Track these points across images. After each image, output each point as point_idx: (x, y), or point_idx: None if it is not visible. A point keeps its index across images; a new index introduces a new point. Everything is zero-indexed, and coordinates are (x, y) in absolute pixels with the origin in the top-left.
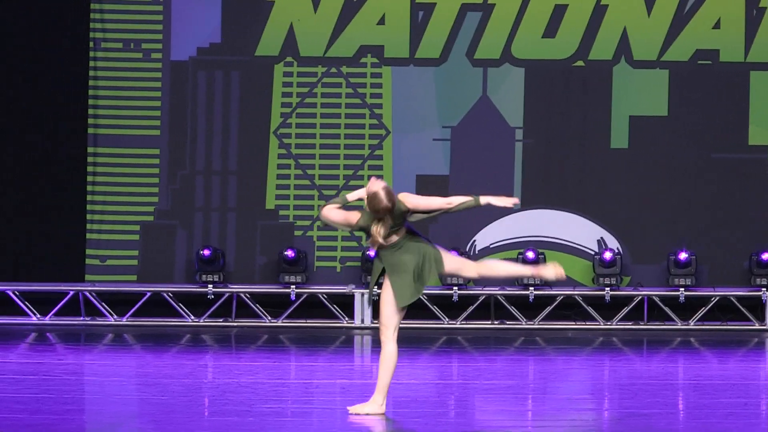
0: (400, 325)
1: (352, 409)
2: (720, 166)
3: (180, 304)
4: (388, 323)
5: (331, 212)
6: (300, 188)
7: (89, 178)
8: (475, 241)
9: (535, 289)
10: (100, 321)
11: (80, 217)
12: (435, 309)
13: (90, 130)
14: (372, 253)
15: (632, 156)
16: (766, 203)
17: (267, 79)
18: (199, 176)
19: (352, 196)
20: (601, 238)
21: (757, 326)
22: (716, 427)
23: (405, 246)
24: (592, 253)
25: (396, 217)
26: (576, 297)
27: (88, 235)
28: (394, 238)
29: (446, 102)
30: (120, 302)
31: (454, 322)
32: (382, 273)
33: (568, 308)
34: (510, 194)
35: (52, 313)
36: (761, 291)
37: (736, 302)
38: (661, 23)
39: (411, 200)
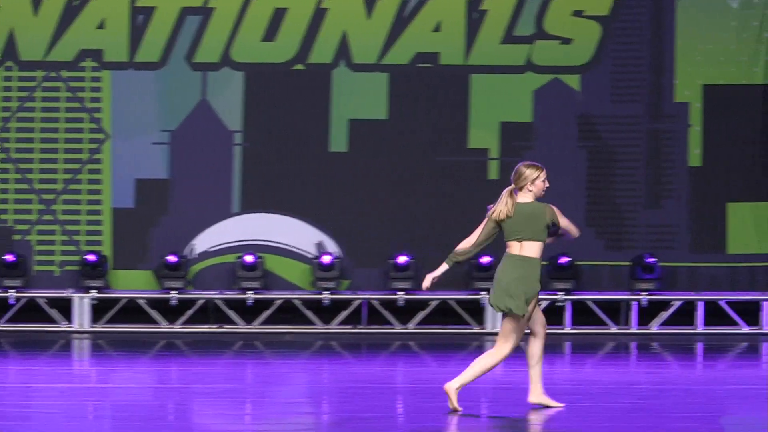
0: (117, 329)
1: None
2: (440, 169)
3: None
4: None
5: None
6: (19, 192)
7: None
8: (194, 245)
9: (254, 293)
10: None
11: None
12: (154, 313)
13: None
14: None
15: (352, 159)
16: (486, 207)
17: None
18: None
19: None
20: (320, 241)
21: (476, 330)
22: (436, 429)
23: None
24: (311, 256)
25: (536, 220)
26: (295, 301)
27: None
28: (531, 244)
29: (166, 106)
30: None
31: (173, 326)
32: None
33: (288, 312)
34: (230, 197)
35: None
36: (481, 294)
37: (455, 306)
38: (381, 26)
39: (561, 218)
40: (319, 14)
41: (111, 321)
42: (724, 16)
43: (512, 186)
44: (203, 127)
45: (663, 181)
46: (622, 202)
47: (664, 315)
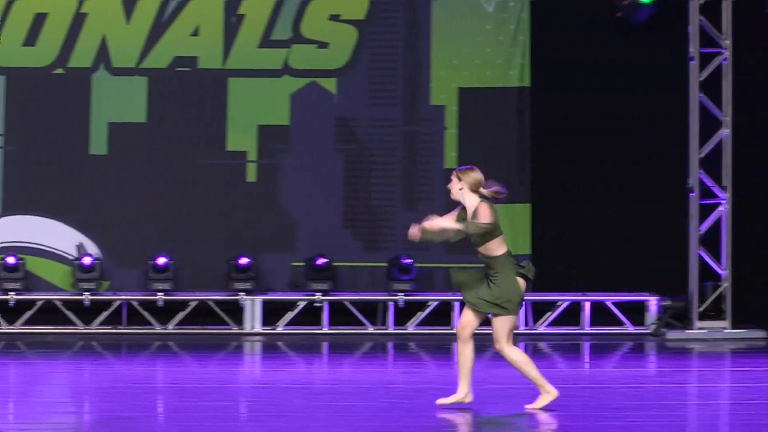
0: None
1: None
2: (200, 172)
3: None
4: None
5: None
6: None
7: None
8: None
9: (16, 294)
10: None
11: None
12: None
13: None
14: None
15: (112, 162)
16: (244, 209)
17: None
18: None
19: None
20: (81, 243)
21: (236, 330)
22: (196, 429)
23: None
24: (72, 258)
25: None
26: (56, 301)
27: None
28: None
29: None
30: None
31: None
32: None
33: (49, 312)
34: None
35: None
36: (240, 295)
37: (215, 306)
38: (140, 30)
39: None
40: (79, 19)
41: None
42: (480, 20)
43: (480, 192)
44: None
45: (419, 183)
46: (379, 204)
47: (421, 315)
